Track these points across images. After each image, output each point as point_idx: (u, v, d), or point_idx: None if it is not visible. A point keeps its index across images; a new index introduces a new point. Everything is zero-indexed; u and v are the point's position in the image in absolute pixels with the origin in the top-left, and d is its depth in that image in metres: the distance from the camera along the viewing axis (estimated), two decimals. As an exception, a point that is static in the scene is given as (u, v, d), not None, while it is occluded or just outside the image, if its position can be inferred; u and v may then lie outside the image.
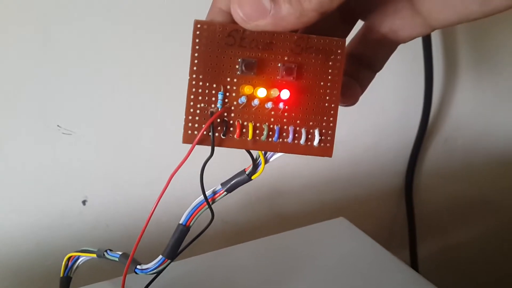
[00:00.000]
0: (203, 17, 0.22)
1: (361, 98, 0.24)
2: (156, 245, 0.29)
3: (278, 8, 0.20)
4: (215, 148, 0.22)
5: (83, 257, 0.33)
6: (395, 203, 0.61)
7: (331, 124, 0.23)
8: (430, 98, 0.53)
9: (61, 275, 0.33)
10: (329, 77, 0.22)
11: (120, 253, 0.29)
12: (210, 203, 0.25)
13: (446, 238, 0.67)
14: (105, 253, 0.30)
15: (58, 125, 0.37)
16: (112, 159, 0.40)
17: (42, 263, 0.40)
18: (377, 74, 0.25)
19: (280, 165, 0.23)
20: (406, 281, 0.37)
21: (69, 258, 0.33)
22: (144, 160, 0.42)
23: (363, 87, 0.25)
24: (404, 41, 0.24)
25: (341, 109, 0.23)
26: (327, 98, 0.22)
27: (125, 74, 0.39)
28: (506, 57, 0.60)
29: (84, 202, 0.40)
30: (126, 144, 0.41)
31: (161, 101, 0.41)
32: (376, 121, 0.54)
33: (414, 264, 0.60)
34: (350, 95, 0.24)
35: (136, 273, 0.28)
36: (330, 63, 0.22)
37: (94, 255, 0.31)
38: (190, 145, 0.22)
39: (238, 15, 0.20)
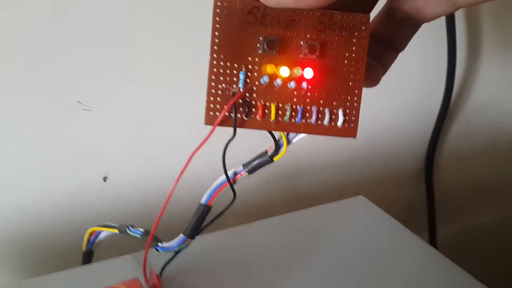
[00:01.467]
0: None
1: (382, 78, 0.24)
2: (177, 223, 0.29)
3: None
4: (237, 129, 0.22)
5: (105, 232, 0.33)
6: (415, 184, 0.60)
7: (355, 104, 0.22)
8: (453, 78, 0.53)
9: (83, 249, 0.34)
10: (353, 55, 0.22)
11: (142, 230, 0.29)
12: (232, 183, 0.25)
13: (465, 220, 0.66)
14: (126, 229, 0.31)
15: (78, 101, 0.38)
16: (133, 136, 0.41)
17: (64, 239, 0.41)
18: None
19: (300, 144, 0.23)
20: (425, 258, 0.37)
21: (91, 233, 0.34)
22: (165, 139, 0.42)
23: (385, 67, 0.25)
24: (428, 20, 0.24)
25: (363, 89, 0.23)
26: (351, 77, 0.22)
27: (147, 53, 0.39)
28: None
29: (105, 179, 0.41)
30: (148, 122, 0.41)
31: (183, 80, 0.41)
32: (396, 101, 0.54)
33: (433, 245, 0.60)
34: (372, 76, 0.24)
35: (157, 250, 0.28)
36: (354, 40, 0.22)
37: (116, 231, 0.32)
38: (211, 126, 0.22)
39: None
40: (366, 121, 0.51)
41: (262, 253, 0.36)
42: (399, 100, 0.54)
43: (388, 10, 0.24)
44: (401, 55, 0.25)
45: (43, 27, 0.35)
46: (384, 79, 0.25)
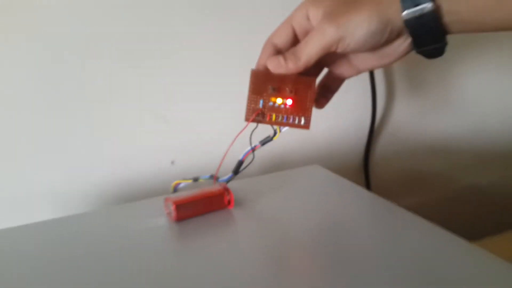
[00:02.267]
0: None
1: (330, 105, 0.54)
2: (226, 170, 0.58)
3: (287, 64, 0.45)
4: (258, 124, 0.51)
5: (184, 183, 0.63)
6: (356, 176, 0.91)
7: (309, 115, 0.48)
8: (375, 106, 0.85)
9: (172, 192, 0.63)
10: (308, 95, 0.47)
11: (209, 175, 0.59)
12: (254, 152, 0.55)
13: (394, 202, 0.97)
14: (198, 177, 0.60)
15: (162, 117, 0.69)
16: (192, 135, 0.72)
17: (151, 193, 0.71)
18: (339, 93, 0.52)
19: (285, 137, 0.52)
20: (367, 202, 0.57)
21: (176, 184, 0.63)
22: (216, 134, 0.73)
23: (327, 100, 0.51)
24: (347, 78, 0.50)
25: (317, 111, 0.52)
26: (308, 104, 0.48)
27: (207, 79, 0.70)
28: (430, 77, 0.91)
29: (172, 163, 0.72)
30: (202, 127, 0.72)
31: (228, 102, 0.72)
32: (340, 122, 0.85)
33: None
34: (320, 104, 0.50)
35: (218, 182, 0.57)
36: (309, 88, 0.47)
37: (191, 181, 0.62)
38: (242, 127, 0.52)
39: (270, 67, 0.46)
40: (326, 131, 0.83)
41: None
42: (343, 121, 0.86)
43: (328, 74, 0.51)
44: (338, 95, 0.53)
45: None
46: (332, 107, 0.55)
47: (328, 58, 0.49)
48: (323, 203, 0.56)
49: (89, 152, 0.68)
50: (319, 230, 0.50)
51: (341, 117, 0.85)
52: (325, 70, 0.51)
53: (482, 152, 1.01)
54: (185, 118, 0.71)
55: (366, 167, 0.90)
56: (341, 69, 0.50)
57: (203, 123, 0.73)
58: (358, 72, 0.49)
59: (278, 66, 0.45)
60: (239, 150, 0.54)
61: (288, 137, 0.77)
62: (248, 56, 0.52)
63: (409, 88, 0.90)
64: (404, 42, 0.44)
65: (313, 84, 0.48)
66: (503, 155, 1.02)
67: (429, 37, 0.43)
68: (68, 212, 0.65)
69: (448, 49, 0.45)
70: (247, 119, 0.49)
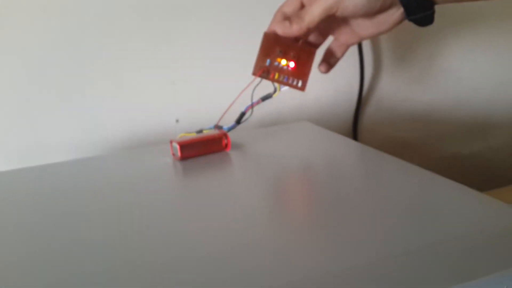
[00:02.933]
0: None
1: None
2: (228, 121, 0.66)
3: (291, 26, 0.51)
4: (262, 80, 0.57)
5: (187, 136, 0.70)
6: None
7: (306, 78, 0.56)
8: (363, 76, 0.93)
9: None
10: (309, 61, 0.56)
11: (213, 125, 0.67)
12: (253, 107, 0.63)
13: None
14: (201, 130, 0.68)
15: (172, 81, 0.77)
16: (195, 96, 0.80)
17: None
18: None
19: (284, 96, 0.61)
20: (357, 151, 0.62)
21: (181, 137, 0.71)
22: (218, 97, 0.80)
23: (331, 66, 0.58)
24: (350, 45, 0.57)
25: (313, 78, 0.59)
26: (307, 69, 0.56)
27: (214, 53, 0.78)
28: (415, 49, 0.99)
29: (177, 121, 0.80)
30: (205, 89, 0.80)
31: (231, 67, 0.80)
32: (331, 89, 0.93)
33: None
34: (325, 69, 0.58)
35: (222, 128, 0.65)
36: (310, 56, 0.56)
37: (194, 134, 0.69)
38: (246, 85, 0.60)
39: (277, 30, 0.52)
40: (318, 97, 0.91)
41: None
42: (335, 87, 0.93)
43: (333, 41, 0.58)
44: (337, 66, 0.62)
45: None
46: (329, 75, 0.63)
47: (333, 25, 0.56)
48: (315, 150, 0.63)
49: (100, 110, 0.76)
50: (311, 171, 0.56)
51: (333, 86, 0.92)
52: (330, 39, 0.59)
53: (463, 122, 1.08)
54: (191, 79, 0.79)
55: (355, 133, 0.97)
56: (345, 36, 0.57)
57: (208, 84, 0.81)
58: (360, 38, 0.56)
59: (284, 28, 0.52)
60: (241, 106, 0.61)
61: (284, 98, 0.85)
62: (250, 27, 0.59)
63: (395, 60, 0.98)
64: (397, 11, 0.51)
65: (313, 53, 0.56)
66: (483, 126, 1.10)
67: (418, 6, 0.50)
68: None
69: (435, 23, 0.52)
70: (254, 74, 0.55)
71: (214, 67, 0.81)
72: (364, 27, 0.54)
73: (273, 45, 0.54)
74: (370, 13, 0.50)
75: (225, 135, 0.62)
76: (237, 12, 0.79)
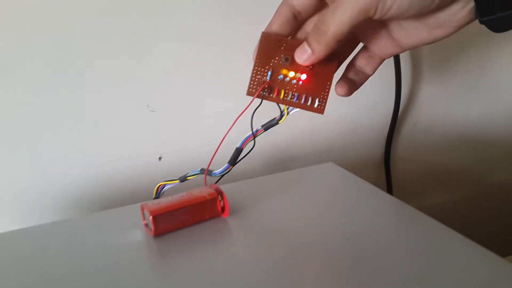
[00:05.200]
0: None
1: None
2: (219, 163, 0.47)
3: (313, 46, 0.34)
4: (262, 102, 0.38)
5: (169, 185, 0.51)
6: (376, 172, 0.80)
7: (325, 97, 0.38)
8: (399, 92, 0.73)
9: (153, 197, 0.53)
10: (328, 71, 0.38)
11: (199, 169, 0.47)
12: (254, 137, 0.43)
13: (419, 201, 0.86)
14: (186, 176, 0.48)
15: (147, 105, 0.58)
16: (181, 128, 0.60)
17: (134, 195, 0.60)
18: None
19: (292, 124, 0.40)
20: (390, 207, 0.48)
21: (158, 187, 0.52)
22: (206, 126, 0.61)
23: (356, 87, 0.40)
24: (387, 57, 0.39)
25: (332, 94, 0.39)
26: (326, 82, 0.38)
27: (195, 70, 0.59)
28: (461, 59, 0.80)
29: (160, 158, 0.60)
30: (192, 118, 0.61)
31: (219, 88, 0.61)
32: (359, 109, 0.74)
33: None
34: (347, 91, 0.39)
35: (211, 175, 0.46)
36: (329, 63, 0.37)
37: (177, 181, 0.50)
38: (239, 114, 0.39)
39: (297, 60, 0.36)
40: (342, 119, 0.72)
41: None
42: (364, 108, 0.74)
43: (361, 51, 0.39)
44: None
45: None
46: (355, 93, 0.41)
47: (363, 29, 0.38)
48: (339, 213, 0.45)
49: (55, 152, 0.57)
50: (336, 246, 0.39)
51: (360, 104, 0.73)
52: (358, 47, 0.40)
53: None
54: (173, 107, 0.60)
55: (387, 161, 0.79)
56: (380, 44, 0.38)
57: (192, 112, 0.62)
58: (402, 49, 0.38)
59: (301, 55, 0.36)
60: (237, 140, 0.43)
61: (296, 125, 0.65)
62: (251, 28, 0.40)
63: (437, 72, 0.78)
64: (463, 8, 0.32)
65: (334, 60, 0.37)
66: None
67: (498, 1, 0.31)
68: (37, 219, 0.54)
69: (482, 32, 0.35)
70: (249, 93, 0.38)
71: (204, 87, 0.61)
72: (411, 31, 0.36)
73: (276, 50, 0.37)
74: (423, 13, 0.33)
75: (220, 194, 0.43)
76: (236, 13, 0.60)
